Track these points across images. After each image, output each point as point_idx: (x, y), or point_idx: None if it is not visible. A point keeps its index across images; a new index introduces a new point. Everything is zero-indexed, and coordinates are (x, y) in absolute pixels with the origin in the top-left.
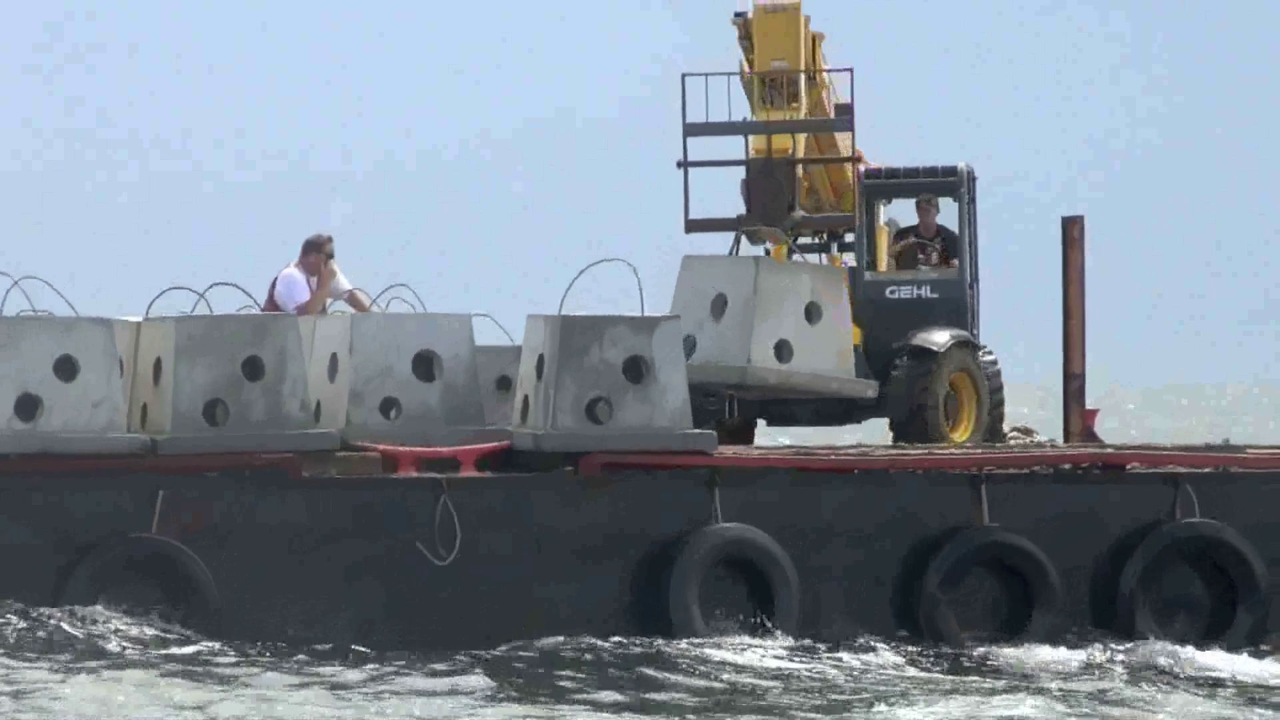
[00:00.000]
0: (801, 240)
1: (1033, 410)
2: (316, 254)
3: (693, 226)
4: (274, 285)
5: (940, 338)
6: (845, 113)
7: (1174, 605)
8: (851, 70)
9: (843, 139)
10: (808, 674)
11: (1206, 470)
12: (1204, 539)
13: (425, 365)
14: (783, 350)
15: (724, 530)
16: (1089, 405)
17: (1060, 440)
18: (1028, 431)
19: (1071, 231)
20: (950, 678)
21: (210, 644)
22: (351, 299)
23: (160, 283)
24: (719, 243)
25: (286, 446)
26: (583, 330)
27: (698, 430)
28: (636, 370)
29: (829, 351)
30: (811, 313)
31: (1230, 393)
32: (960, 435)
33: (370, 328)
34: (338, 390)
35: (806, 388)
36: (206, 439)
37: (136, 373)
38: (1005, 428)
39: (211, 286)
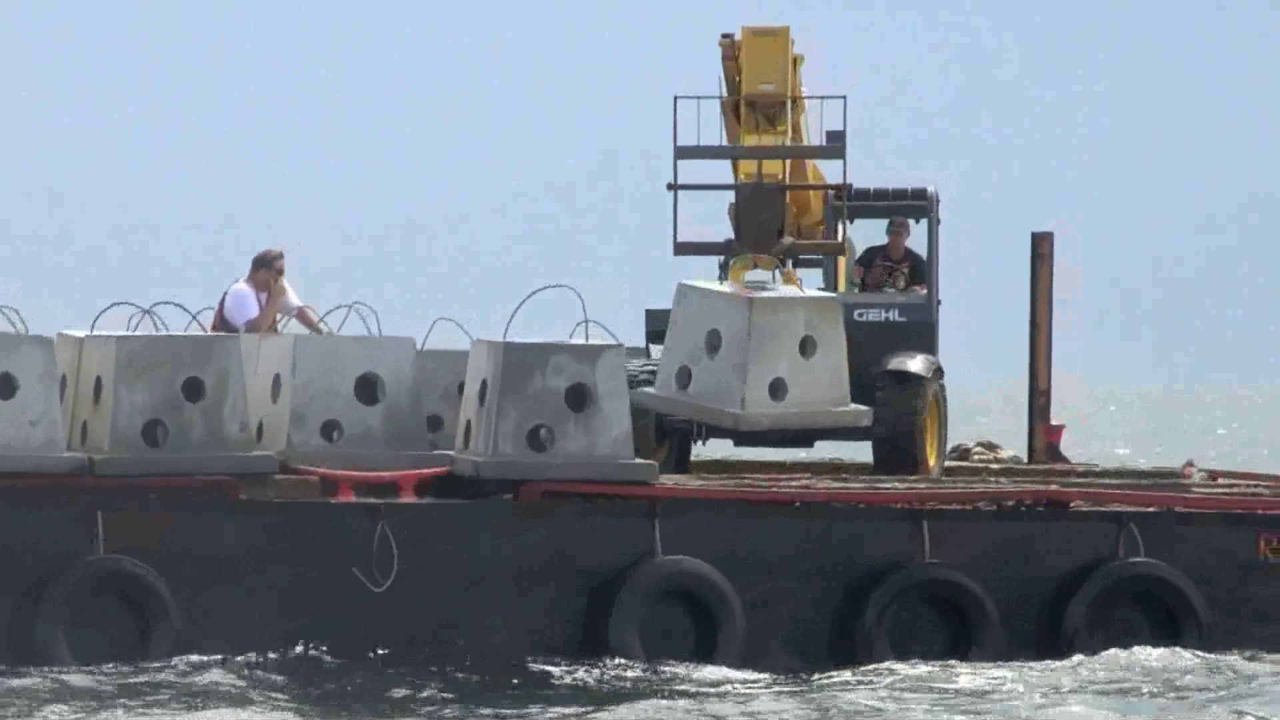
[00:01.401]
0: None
1: (1002, 423)
2: (266, 270)
3: (681, 249)
4: (223, 301)
5: (920, 363)
6: (836, 139)
7: (1117, 644)
8: (845, 98)
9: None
10: (746, 704)
11: (1151, 509)
12: (1147, 578)
13: (368, 388)
14: (777, 389)
15: (670, 562)
16: (1057, 421)
17: (1025, 456)
18: (992, 446)
19: (1041, 247)
20: (887, 706)
21: (152, 665)
22: (301, 316)
23: (112, 296)
24: (709, 263)
25: (225, 469)
26: (525, 357)
27: (639, 460)
28: (579, 398)
29: (823, 383)
30: (806, 347)
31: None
32: (932, 461)
33: (313, 349)
34: (280, 411)
35: (802, 425)
36: (145, 460)
37: (78, 390)
38: (970, 443)
39: (155, 305)
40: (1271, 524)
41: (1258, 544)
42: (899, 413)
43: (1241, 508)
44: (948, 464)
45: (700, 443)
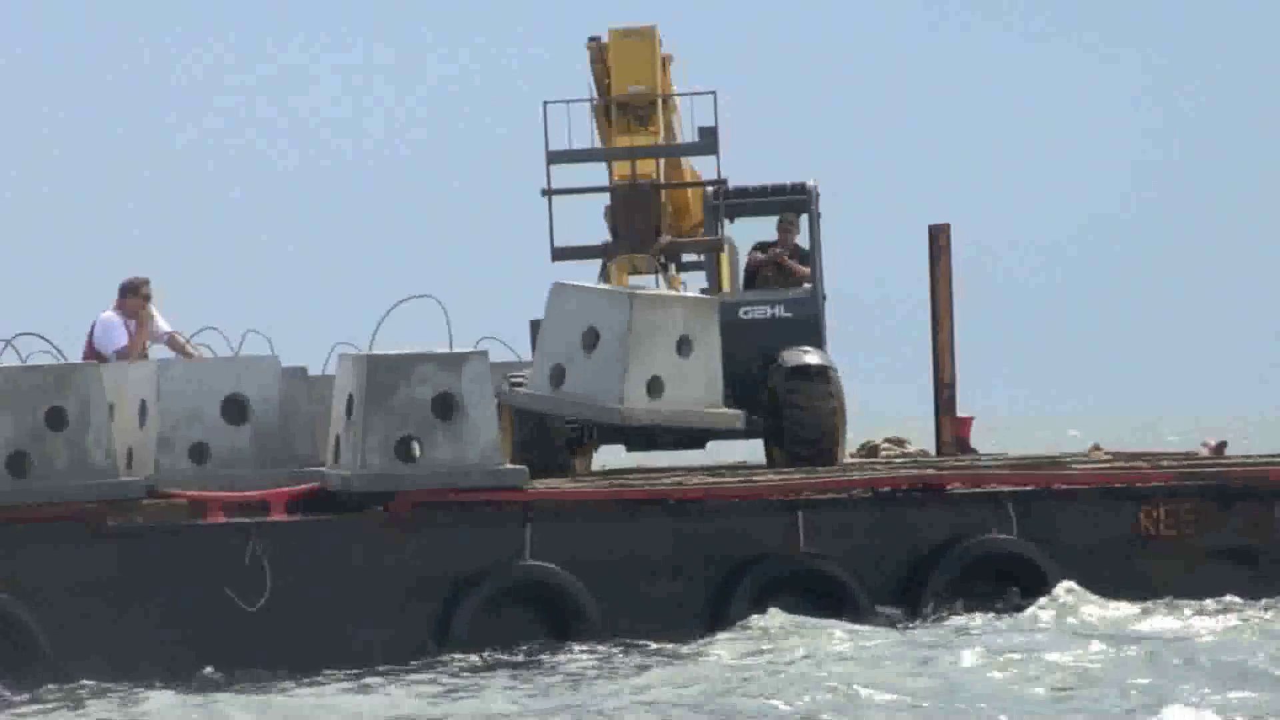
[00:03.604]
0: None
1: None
2: (134, 297)
3: (559, 255)
4: (92, 330)
5: (817, 355)
6: (708, 135)
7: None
8: (715, 93)
9: (688, 161)
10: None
11: (1029, 489)
12: (1000, 555)
13: (235, 408)
14: (654, 386)
15: (519, 566)
16: (964, 414)
17: (932, 450)
18: (900, 442)
19: (939, 239)
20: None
21: (24, 698)
22: (171, 341)
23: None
24: (586, 269)
25: (91, 496)
26: (389, 369)
27: (509, 466)
28: (446, 407)
29: (698, 384)
30: (683, 346)
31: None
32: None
33: (178, 373)
34: (147, 436)
35: (677, 424)
36: (10, 491)
37: None
38: (878, 439)
39: (16, 336)
40: (1153, 497)
41: (1139, 518)
42: (817, 409)
43: (1122, 482)
44: (853, 460)
45: (591, 442)
